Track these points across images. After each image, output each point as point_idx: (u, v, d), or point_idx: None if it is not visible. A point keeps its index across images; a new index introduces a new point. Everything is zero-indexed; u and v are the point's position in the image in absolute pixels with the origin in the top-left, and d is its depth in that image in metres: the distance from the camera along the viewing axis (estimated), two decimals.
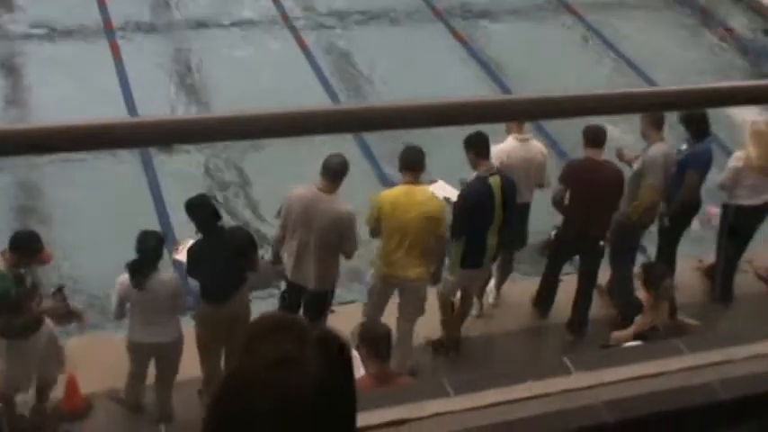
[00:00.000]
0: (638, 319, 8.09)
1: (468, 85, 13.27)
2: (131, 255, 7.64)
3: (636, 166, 9.11)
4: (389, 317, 8.33)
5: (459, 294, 8.89)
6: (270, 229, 9.64)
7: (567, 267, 9.58)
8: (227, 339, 7.71)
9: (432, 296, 8.62)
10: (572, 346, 9.04)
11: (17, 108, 12.51)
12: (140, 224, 8.94)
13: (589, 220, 8.86)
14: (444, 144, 10.09)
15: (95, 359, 8.22)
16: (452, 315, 8.88)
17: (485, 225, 8.40)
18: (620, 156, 9.43)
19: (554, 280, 9.37)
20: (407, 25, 15.39)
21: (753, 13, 16.80)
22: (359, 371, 6.18)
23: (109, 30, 13.94)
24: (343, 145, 9.55)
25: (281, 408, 1.69)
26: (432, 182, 9.73)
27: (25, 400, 7.83)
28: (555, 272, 9.37)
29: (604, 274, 9.46)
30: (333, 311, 8.53)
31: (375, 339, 6.43)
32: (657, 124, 9.02)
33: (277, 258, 8.42)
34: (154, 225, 9.61)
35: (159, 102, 12.34)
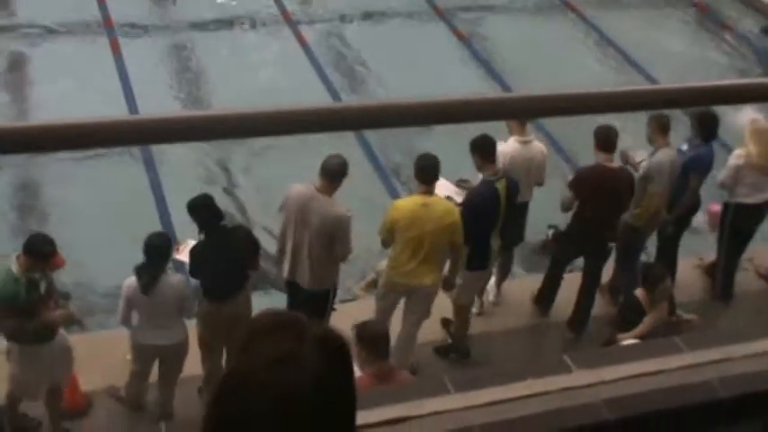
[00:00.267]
0: (646, 319, 8.10)
1: (468, 83, 13.27)
2: (132, 254, 7.64)
3: (642, 171, 9.06)
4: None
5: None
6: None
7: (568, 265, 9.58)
8: (228, 338, 7.72)
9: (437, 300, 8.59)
10: (572, 344, 9.04)
11: (17, 106, 12.51)
12: (142, 224, 8.96)
13: (597, 223, 8.84)
14: (437, 140, 10.15)
15: (95, 357, 8.21)
16: (468, 322, 8.89)
17: (491, 229, 8.43)
18: (626, 159, 9.34)
19: (557, 279, 9.36)
20: (408, 23, 15.38)
21: (753, 12, 16.80)
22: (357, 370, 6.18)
23: (109, 27, 13.94)
24: (347, 146, 9.57)
25: (280, 406, 1.69)
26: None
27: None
28: (559, 271, 9.36)
29: (606, 273, 9.45)
30: (335, 309, 8.52)
31: (373, 339, 6.43)
32: (664, 129, 8.96)
33: (281, 255, 8.41)
34: (155, 225, 9.64)
35: (159, 100, 12.33)
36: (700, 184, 9.33)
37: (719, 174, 9.53)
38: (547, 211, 9.35)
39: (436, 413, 2.81)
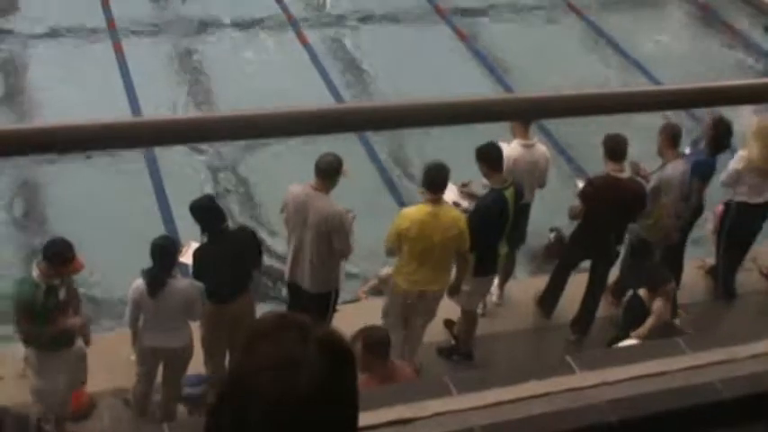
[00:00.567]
0: (649, 319, 8.10)
1: (471, 85, 13.27)
2: (135, 256, 7.64)
3: (651, 183, 8.99)
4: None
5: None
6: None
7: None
8: (231, 339, 7.72)
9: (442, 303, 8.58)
10: (575, 346, 9.04)
11: (20, 108, 12.51)
12: (145, 225, 8.98)
13: (605, 231, 8.83)
14: (439, 140, 10.15)
15: (99, 358, 8.21)
16: (475, 326, 8.89)
17: (499, 237, 8.44)
18: (636, 171, 9.23)
19: (562, 282, 9.34)
20: (411, 25, 15.38)
21: (755, 11, 16.79)
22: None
23: (113, 30, 13.95)
24: (350, 147, 9.57)
25: (282, 409, 1.69)
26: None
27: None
28: (564, 274, 9.33)
29: (611, 273, 9.42)
30: (336, 311, 8.52)
31: (375, 344, 6.47)
32: (674, 142, 8.90)
33: None
34: (158, 226, 9.65)
35: (163, 102, 12.34)
36: (703, 189, 9.31)
37: (721, 174, 9.50)
38: (546, 212, 9.32)
39: (439, 414, 2.81)
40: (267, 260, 9.26)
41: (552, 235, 10.38)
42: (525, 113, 4.25)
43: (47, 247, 7.25)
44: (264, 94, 12.33)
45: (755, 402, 3.01)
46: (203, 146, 11.34)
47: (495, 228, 8.35)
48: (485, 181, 8.63)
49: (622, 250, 9.27)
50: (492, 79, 13.88)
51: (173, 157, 11.36)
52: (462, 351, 8.91)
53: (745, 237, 9.77)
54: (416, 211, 8.04)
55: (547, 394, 2.89)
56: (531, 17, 16.07)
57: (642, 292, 8.30)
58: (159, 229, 9.24)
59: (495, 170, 8.35)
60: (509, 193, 8.36)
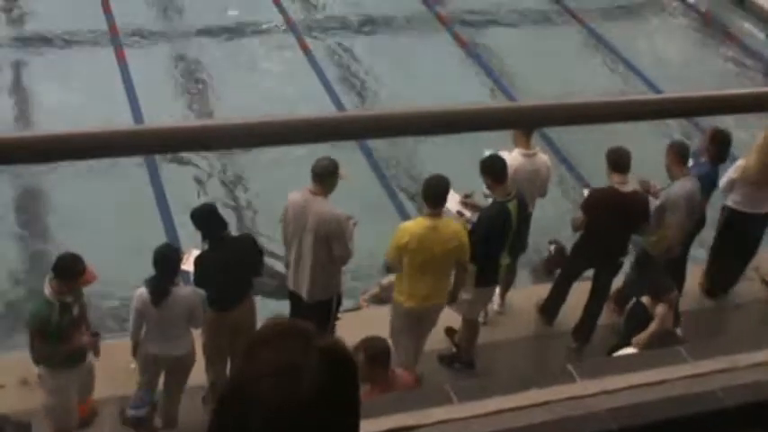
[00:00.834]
0: (651, 326, 8.09)
1: (472, 93, 13.27)
2: (136, 264, 7.64)
3: (659, 200, 8.95)
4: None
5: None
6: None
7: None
8: (232, 346, 7.72)
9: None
10: (577, 354, 9.03)
11: (23, 116, 12.52)
12: (146, 233, 8.98)
13: (608, 243, 8.81)
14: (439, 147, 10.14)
15: (100, 366, 8.19)
16: (476, 335, 8.89)
17: (502, 248, 8.44)
18: (646, 188, 9.18)
19: (564, 291, 9.33)
20: (412, 33, 15.40)
21: (756, 19, 16.82)
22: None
23: (115, 36, 13.97)
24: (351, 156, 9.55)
25: (282, 415, 1.69)
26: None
27: None
28: (567, 284, 9.32)
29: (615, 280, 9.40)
30: (339, 318, 8.52)
31: (377, 354, 6.50)
32: (682, 159, 8.84)
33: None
34: (159, 234, 9.65)
35: (165, 109, 12.35)
36: (705, 202, 9.29)
37: (721, 179, 9.49)
38: (547, 220, 9.32)
39: (440, 422, 2.82)
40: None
41: (552, 247, 10.39)
42: (526, 121, 4.25)
43: (56, 263, 7.21)
44: (265, 101, 12.36)
45: (756, 411, 3.00)
46: (202, 153, 11.35)
47: (497, 240, 8.34)
48: (486, 190, 8.63)
49: (626, 260, 9.26)
50: (492, 86, 13.89)
51: (173, 165, 11.38)
52: (464, 359, 8.90)
53: (740, 245, 9.74)
54: (415, 224, 8.00)
55: (548, 403, 2.89)
56: (532, 25, 16.09)
57: (645, 299, 8.29)
58: (160, 237, 9.24)
59: (498, 182, 8.34)
60: (512, 206, 8.36)
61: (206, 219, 7.83)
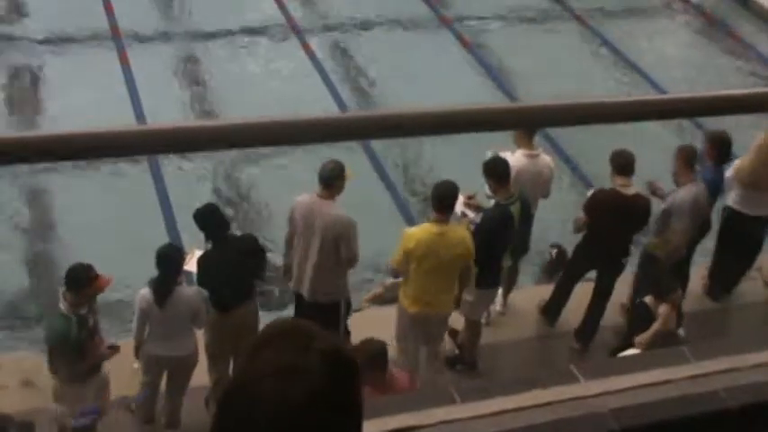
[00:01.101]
0: (654, 326, 8.08)
1: (475, 93, 13.27)
2: (138, 264, 7.65)
3: (663, 206, 8.92)
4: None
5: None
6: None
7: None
8: (235, 347, 7.72)
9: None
10: (579, 355, 9.03)
11: (26, 116, 12.54)
12: (148, 233, 8.98)
13: (610, 245, 8.81)
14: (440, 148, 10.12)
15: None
16: (479, 336, 8.88)
17: (504, 251, 8.44)
18: (653, 190, 9.18)
19: (567, 291, 9.33)
20: (415, 33, 15.40)
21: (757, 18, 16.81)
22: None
23: (118, 38, 13.97)
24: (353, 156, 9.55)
25: (282, 416, 1.69)
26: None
27: None
28: (569, 285, 9.32)
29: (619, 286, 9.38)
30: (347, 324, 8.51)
31: (374, 356, 6.50)
32: (691, 164, 8.81)
33: (288, 269, 8.40)
34: (162, 234, 9.66)
35: (168, 110, 12.35)
36: (710, 207, 9.28)
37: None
38: (549, 222, 9.32)
39: (443, 423, 2.81)
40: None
41: (554, 251, 10.39)
42: (529, 122, 4.25)
43: (67, 276, 7.17)
44: (267, 102, 12.36)
45: (760, 411, 3.00)
46: (205, 153, 11.35)
47: (499, 242, 8.33)
48: (487, 191, 8.63)
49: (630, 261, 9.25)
50: (495, 87, 13.89)
51: (175, 165, 11.38)
52: (466, 360, 8.90)
53: (740, 246, 9.73)
54: (422, 230, 7.97)
55: (550, 403, 2.89)
56: (534, 25, 16.09)
57: (648, 299, 8.28)
58: (162, 238, 9.25)
59: (502, 185, 8.34)
60: (515, 208, 8.36)
61: (209, 219, 7.84)
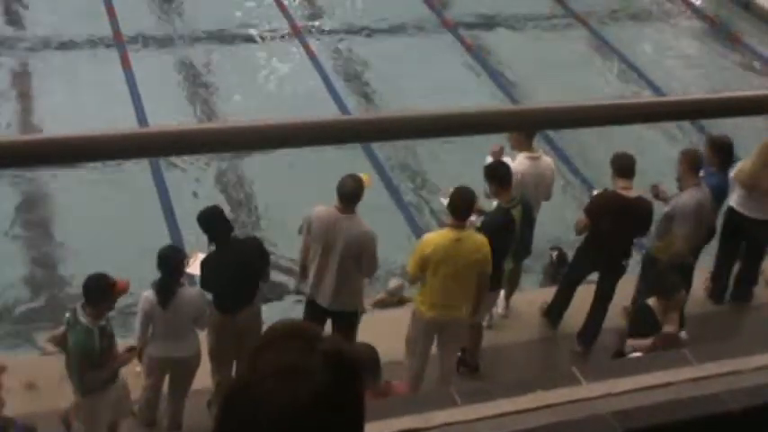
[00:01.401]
0: (658, 334, 8.05)
1: (477, 96, 13.28)
2: (141, 267, 7.65)
3: (667, 208, 8.91)
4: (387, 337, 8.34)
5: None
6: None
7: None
8: (238, 350, 7.72)
9: None
10: (581, 357, 9.02)
11: (26, 119, 12.55)
12: (150, 236, 8.98)
13: (611, 247, 8.80)
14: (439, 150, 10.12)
15: None
16: (481, 338, 8.87)
17: (506, 254, 8.42)
18: (656, 194, 9.17)
19: (569, 295, 9.32)
20: (417, 36, 15.41)
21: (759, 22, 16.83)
22: None
23: (119, 41, 13.99)
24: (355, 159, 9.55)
25: (284, 417, 1.69)
26: (446, 194, 9.70)
27: None
28: (571, 287, 9.32)
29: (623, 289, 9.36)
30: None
31: (364, 363, 6.45)
32: (696, 168, 8.77)
33: (304, 273, 8.37)
34: (164, 238, 9.67)
35: (169, 113, 12.36)
36: (715, 212, 9.27)
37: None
38: (550, 225, 9.32)
39: (444, 425, 2.81)
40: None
41: (554, 254, 10.38)
42: (531, 124, 4.25)
43: (84, 289, 7.13)
44: (269, 104, 12.38)
45: (762, 414, 3.00)
46: (208, 156, 11.37)
47: (501, 245, 8.31)
48: (486, 191, 8.63)
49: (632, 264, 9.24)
50: (496, 89, 13.89)
51: (178, 168, 11.40)
52: (469, 363, 8.89)
53: (740, 246, 9.72)
54: (439, 236, 7.94)
55: (552, 405, 2.89)
56: (536, 28, 16.09)
57: (652, 301, 8.23)
58: (164, 240, 9.26)
59: (503, 188, 8.33)
60: (516, 212, 8.35)
61: (212, 221, 7.84)
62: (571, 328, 9.29)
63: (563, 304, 9.37)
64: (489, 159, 8.85)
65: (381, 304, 9.65)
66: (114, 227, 10.30)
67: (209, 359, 8.01)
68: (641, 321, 8.27)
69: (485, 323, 9.15)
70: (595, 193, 9.67)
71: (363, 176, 8.24)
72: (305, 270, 8.30)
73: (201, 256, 8.24)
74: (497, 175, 8.36)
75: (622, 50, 15.22)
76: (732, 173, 9.35)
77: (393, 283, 9.76)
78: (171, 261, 7.50)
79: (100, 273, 7.19)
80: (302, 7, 15.91)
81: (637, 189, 8.73)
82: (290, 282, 9.66)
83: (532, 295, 9.89)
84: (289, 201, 10.67)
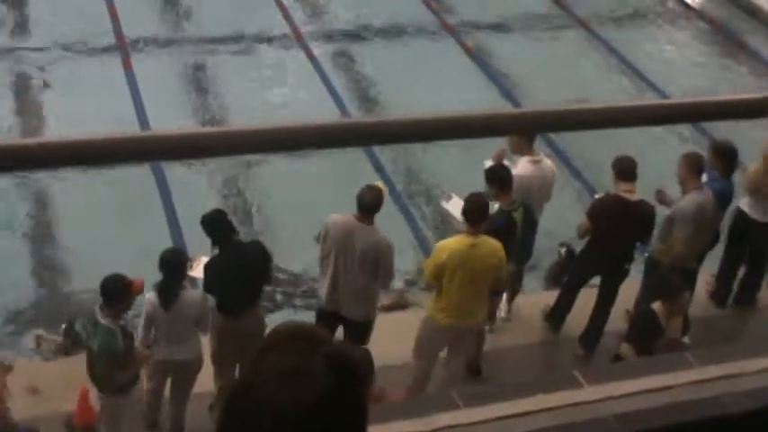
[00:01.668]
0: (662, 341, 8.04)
1: (479, 99, 13.27)
2: (143, 269, 7.66)
3: (668, 213, 8.90)
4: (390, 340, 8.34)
5: None
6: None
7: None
8: (241, 353, 7.72)
9: None
10: (583, 361, 9.02)
11: (30, 123, 12.56)
12: (153, 239, 8.98)
13: (613, 250, 8.80)
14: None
15: None
16: (483, 342, 8.87)
17: (507, 256, 8.41)
18: (661, 198, 9.13)
19: (571, 299, 9.32)
20: (419, 40, 15.41)
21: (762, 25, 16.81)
22: None
23: (122, 46, 14.00)
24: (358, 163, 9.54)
25: (285, 419, 1.70)
26: (448, 198, 9.72)
27: None
28: (573, 291, 9.31)
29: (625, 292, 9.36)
30: None
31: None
32: (697, 171, 8.75)
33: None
34: (166, 241, 9.67)
35: (172, 118, 12.36)
36: (719, 218, 9.26)
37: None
38: (552, 227, 9.31)
39: (447, 428, 2.82)
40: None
41: (563, 250, 10.36)
42: (532, 127, 4.26)
43: (104, 290, 7.16)
44: (272, 109, 12.39)
45: (764, 417, 3.00)
46: (210, 160, 11.37)
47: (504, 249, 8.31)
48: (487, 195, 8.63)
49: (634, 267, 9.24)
50: (498, 93, 13.90)
51: (180, 171, 11.40)
52: (471, 366, 8.89)
53: (746, 248, 9.71)
54: (455, 242, 7.90)
55: (554, 408, 2.90)
56: (538, 31, 16.09)
57: (657, 305, 8.18)
58: (167, 244, 9.26)
59: (504, 191, 8.33)
60: (518, 215, 8.35)
61: (216, 225, 7.85)
62: (573, 331, 9.29)
63: (565, 308, 9.36)
64: (488, 163, 8.85)
65: (385, 309, 9.64)
66: (115, 229, 10.30)
67: (212, 363, 8.01)
68: (644, 326, 8.24)
69: (487, 327, 9.15)
70: (597, 196, 9.67)
71: (379, 185, 8.23)
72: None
73: (205, 259, 8.25)
74: (498, 177, 8.36)
75: (624, 54, 15.20)
76: (740, 176, 9.36)
77: (396, 286, 9.77)
78: (173, 263, 7.52)
79: (116, 273, 7.23)
80: (304, 11, 15.90)
81: (641, 193, 8.74)
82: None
83: (535, 299, 9.88)
84: (293, 204, 10.71)
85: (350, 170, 10.82)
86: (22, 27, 14.75)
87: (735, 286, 10.01)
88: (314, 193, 10.93)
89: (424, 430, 2.81)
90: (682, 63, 15.61)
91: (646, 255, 9.40)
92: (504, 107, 12.69)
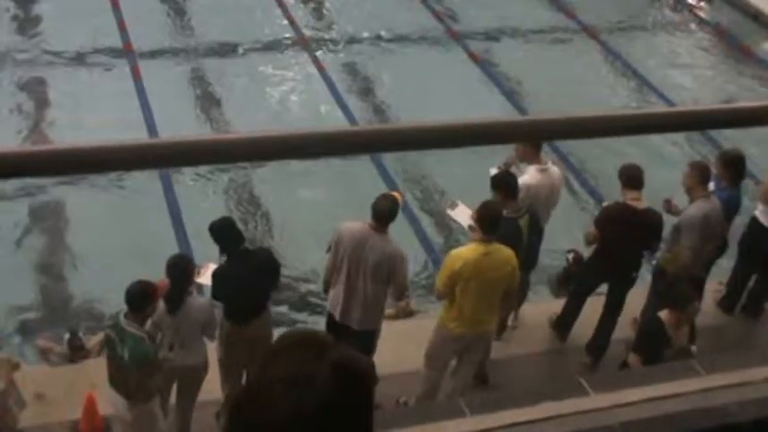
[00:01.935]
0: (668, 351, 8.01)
1: (485, 107, 13.28)
2: (150, 276, 7.67)
3: (675, 221, 8.89)
4: (392, 342, 8.33)
5: None
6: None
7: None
8: (248, 360, 7.73)
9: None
10: (590, 369, 9.00)
11: (38, 131, 12.59)
12: (160, 246, 8.99)
13: (621, 258, 8.78)
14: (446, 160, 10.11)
15: None
16: (489, 350, 8.85)
17: None
18: (669, 208, 9.15)
19: (578, 307, 9.30)
20: (425, 47, 15.43)
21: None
22: None
23: (130, 53, 14.04)
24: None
25: (292, 425, 1.70)
26: (453, 205, 9.71)
27: None
28: (580, 299, 9.30)
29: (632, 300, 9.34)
30: None
31: None
32: (704, 180, 8.76)
33: (327, 289, 8.32)
34: (173, 248, 9.68)
35: (179, 125, 12.39)
36: (727, 227, 9.24)
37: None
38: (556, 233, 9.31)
39: None
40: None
41: (570, 256, 10.35)
42: (539, 135, 4.26)
43: (128, 298, 7.15)
44: (279, 116, 12.41)
45: None
46: (219, 167, 11.40)
47: None
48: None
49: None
50: (505, 101, 13.90)
51: (188, 179, 11.42)
52: (477, 374, 8.87)
53: (758, 256, 9.69)
54: (468, 250, 7.83)
55: (560, 416, 2.89)
56: (545, 40, 16.10)
57: (664, 314, 8.15)
58: (174, 250, 9.27)
59: (510, 198, 8.31)
60: (523, 222, 8.34)
61: (224, 232, 7.86)
62: (580, 339, 9.27)
63: (572, 316, 9.35)
64: (494, 170, 8.84)
65: (392, 318, 9.63)
66: (123, 237, 10.32)
67: (219, 370, 8.01)
68: (651, 334, 8.21)
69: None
70: (605, 204, 9.66)
71: (395, 194, 8.21)
72: (328, 286, 8.26)
73: (213, 266, 8.25)
74: (504, 184, 8.35)
75: (632, 63, 15.21)
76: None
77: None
78: (179, 268, 7.53)
79: (140, 279, 7.25)
80: (311, 19, 15.94)
81: (649, 201, 8.73)
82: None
83: (541, 307, 9.87)
84: (299, 212, 10.73)
85: (357, 179, 10.84)
86: (32, 34, 14.80)
87: (744, 295, 9.99)
88: (322, 203, 10.95)
89: None
90: (689, 71, 15.60)
91: (653, 263, 9.40)
92: (511, 114, 12.70)
